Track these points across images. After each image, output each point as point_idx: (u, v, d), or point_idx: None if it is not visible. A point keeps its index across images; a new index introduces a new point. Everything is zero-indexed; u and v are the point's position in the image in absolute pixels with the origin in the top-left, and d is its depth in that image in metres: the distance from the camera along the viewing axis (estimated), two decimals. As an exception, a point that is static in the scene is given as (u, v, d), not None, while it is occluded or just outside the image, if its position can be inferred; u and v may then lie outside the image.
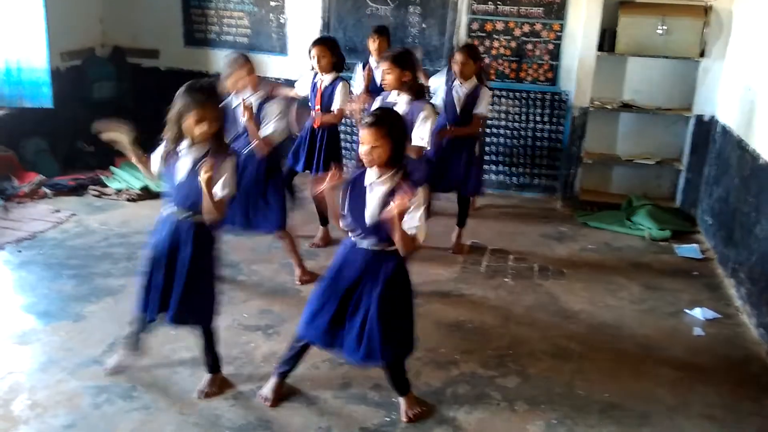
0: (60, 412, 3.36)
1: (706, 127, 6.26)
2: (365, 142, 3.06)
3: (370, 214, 3.13)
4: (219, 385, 3.59)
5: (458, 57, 5.27)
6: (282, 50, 7.28)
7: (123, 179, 6.60)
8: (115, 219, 5.85)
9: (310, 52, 5.13)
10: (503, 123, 6.87)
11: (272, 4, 7.22)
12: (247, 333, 4.15)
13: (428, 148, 4.54)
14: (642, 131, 6.66)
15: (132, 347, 3.70)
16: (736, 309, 4.77)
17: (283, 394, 3.53)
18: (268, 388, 3.51)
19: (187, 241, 3.32)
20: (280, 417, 3.41)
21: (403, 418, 3.41)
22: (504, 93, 6.76)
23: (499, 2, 6.67)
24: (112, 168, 6.85)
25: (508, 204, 6.76)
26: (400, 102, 4.52)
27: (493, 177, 6.98)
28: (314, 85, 5.23)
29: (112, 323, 4.17)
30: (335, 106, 5.15)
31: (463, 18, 6.77)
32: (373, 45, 5.77)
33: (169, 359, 3.85)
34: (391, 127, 3.08)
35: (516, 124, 6.89)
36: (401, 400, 3.46)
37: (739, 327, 4.54)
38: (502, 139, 6.91)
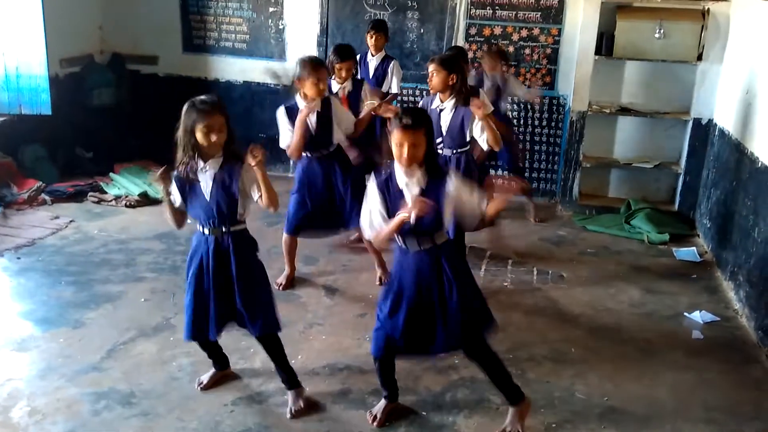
0: (59, 418, 3.35)
1: (704, 131, 6.27)
2: (403, 142, 3.01)
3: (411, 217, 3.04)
4: (305, 399, 3.54)
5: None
6: (281, 56, 7.29)
7: (122, 186, 6.61)
8: (114, 225, 5.86)
9: (333, 65, 5.09)
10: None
11: (271, 10, 7.24)
12: (246, 338, 4.12)
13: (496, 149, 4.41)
14: (640, 135, 6.67)
15: (219, 365, 3.73)
16: (735, 312, 4.77)
17: (394, 416, 3.48)
18: (378, 408, 3.48)
19: (232, 254, 3.32)
20: (279, 423, 3.41)
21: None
22: (506, 97, 6.76)
23: (497, 7, 6.69)
24: (111, 174, 6.86)
25: (507, 208, 6.73)
26: (446, 107, 4.43)
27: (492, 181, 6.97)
28: (336, 94, 5.14)
29: (111, 330, 4.17)
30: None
31: (461, 23, 6.79)
32: (370, 40, 5.85)
33: (168, 365, 3.84)
34: (428, 127, 3.08)
35: (514, 128, 6.89)
36: (511, 410, 3.37)
37: (738, 330, 4.54)
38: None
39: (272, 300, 3.48)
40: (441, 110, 4.43)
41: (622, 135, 6.72)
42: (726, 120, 5.77)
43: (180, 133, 3.24)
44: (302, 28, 7.13)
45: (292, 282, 4.89)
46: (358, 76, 5.72)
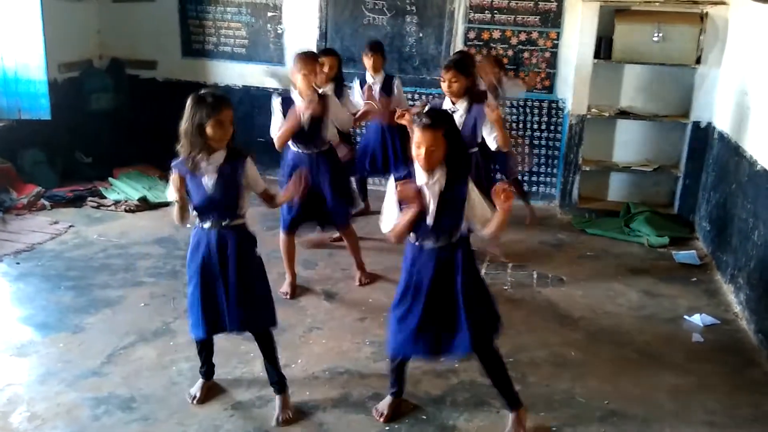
0: (59, 424, 3.35)
1: (703, 134, 6.27)
2: (424, 143, 3.02)
3: (430, 214, 3.11)
4: (292, 407, 3.52)
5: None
6: (279, 60, 7.30)
7: (121, 190, 6.61)
8: (114, 230, 5.86)
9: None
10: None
11: (269, 14, 7.24)
12: (245, 343, 4.13)
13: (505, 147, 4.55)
14: (639, 138, 6.67)
15: (207, 375, 3.69)
16: (735, 315, 4.77)
17: (399, 411, 3.53)
18: (383, 404, 3.53)
19: (234, 247, 3.33)
20: (279, 427, 3.40)
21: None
22: (501, 101, 6.77)
23: (495, 11, 6.70)
24: (110, 179, 6.87)
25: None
26: (459, 109, 4.54)
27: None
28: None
29: (111, 334, 4.17)
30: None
31: (460, 27, 6.79)
32: (368, 62, 5.82)
33: (168, 370, 3.84)
34: (448, 128, 3.09)
35: (513, 132, 6.90)
36: (511, 417, 3.40)
37: (738, 333, 4.54)
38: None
39: (270, 295, 3.50)
40: (453, 112, 4.42)
41: (622, 138, 6.72)
42: (725, 123, 5.77)
43: (187, 126, 3.22)
44: (301, 33, 7.13)
45: (295, 289, 4.86)
46: (357, 98, 5.79)
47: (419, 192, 3.07)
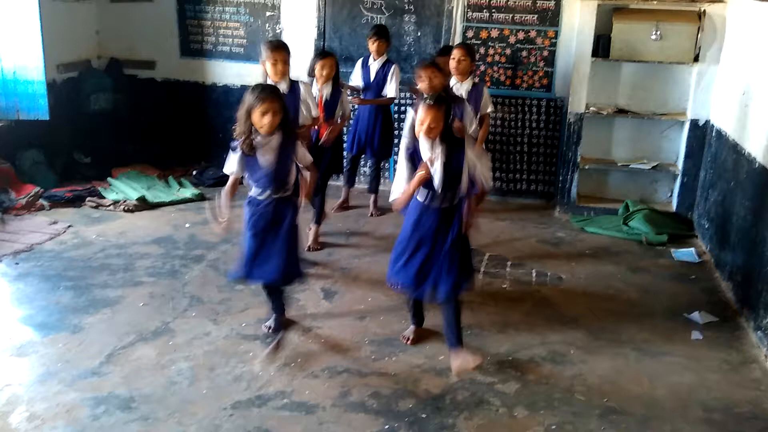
0: (59, 424, 3.35)
1: (701, 132, 6.28)
2: (426, 120, 3.61)
3: (437, 178, 3.70)
4: (283, 339, 4.12)
5: (456, 53, 5.39)
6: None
7: (120, 190, 6.61)
8: (113, 230, 5.85)
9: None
10: (499, 129, 6.89)
11: (268, 14, 7.25)
12: (245, 342, 4.15)
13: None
14: (637, 136, 6.68)
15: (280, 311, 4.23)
16: (734, 312, 4.77)
17: (422, 337, 4.24)
18: (408, 331, 4.25)
19: (287, 214, 3.91)
20: (279, 426, 3.40)
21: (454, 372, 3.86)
22: (500, 100, 6.78)
23: (493, 10, 6.71)
24: (109, 179, 6.87)
25: (505, 210, 6.76)
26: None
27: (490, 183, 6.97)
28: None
29: (110, 334, 4.17)
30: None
31: (458, 26, 6.80)
32: (372, 45, 6.06)
33: (167, 369, 3.84)
34: (448, 107, 3.70)
35: (512, 131, 6.91)
36: (453, 354, 3.88)
37: (737, 330, 4.54)
38: (498, 146, 6.92)
39: (298, 256, 4.06)
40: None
41: (620, 136, 6.73)
42: (723, 121, 5.78)
43: (241, 112, 3.79)
44: (299, 33, 7.13)
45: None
46: (350, 81, 6.17)
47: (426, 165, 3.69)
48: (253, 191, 3.93)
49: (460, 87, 5.35)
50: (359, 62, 6.22)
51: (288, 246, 3.90)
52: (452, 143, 3.70)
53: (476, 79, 5.61)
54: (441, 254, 3.80)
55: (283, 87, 4.71)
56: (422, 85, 4.59)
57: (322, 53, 5.58)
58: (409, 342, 4.18)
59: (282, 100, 3.82)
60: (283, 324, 4.22)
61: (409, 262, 3.86)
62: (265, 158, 3.82)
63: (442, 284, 3.80)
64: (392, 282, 3.99)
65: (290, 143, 3.87)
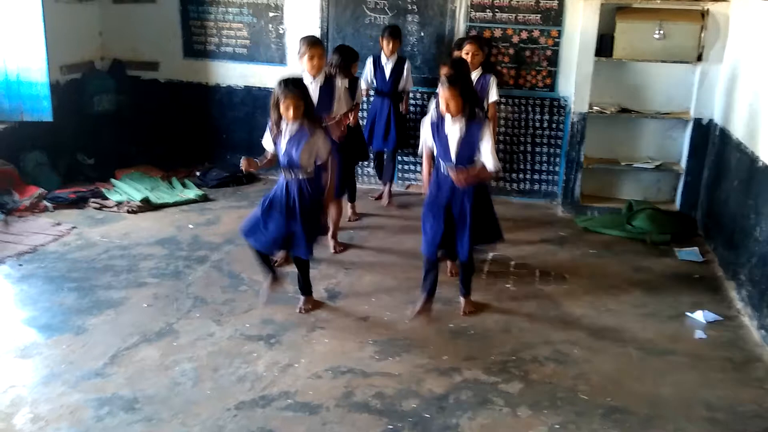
0: (62, 425, 3.36)
1: (704, 131, 6.27)
2: (444, 97, 4.18)
3: (453, 150, 4.25)
4: (313, 302, 4.67)
5: (468, 48, 5.66)
6: (281, 60, 7.30)
7: (123, 191, 6.61)
8: (116, 231, 5.86)
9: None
10: (503, 129, 6.88)
11: (271, 14, 7.25)
12: (249, 343, 4.15)
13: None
14: (641, 135, 6.67)
15: (270, 276, 4.60)
16: (738, 311, 4.76)
17: (430, 310, 4.55)
18: (419, 304, 4.52)
19: (299, 194, 4.33)
20: (283, 427, 3.40)
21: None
22: (503, 99, 6.76)
23: (497, 10, 6.70)
24: (112, 180, 6.87)
25: (509, 209, 6.75)
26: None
27: (494, 183, 6.97)
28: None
29: (114, 336, 4.17)
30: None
31: (461, 26, 6.79)
32: (386, 45, 6.35)
33: (171, 370, 3.85)
34: (463, 85, 4.21)
35: (516, 130, 6.90)
36: (462, 300, 4.64)
37: (741, 329, 4.53)
38: (501, 145, 6.91)
39: (318, 235, 4.53)
40: None
41: (623, 136, 6.70)
42: (727, 120, 5.76)
43: (272, 101, 4.26)
44: (302, 33, 7.06)
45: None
46: (367, 76, 6.47)
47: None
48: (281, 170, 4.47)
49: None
50: (369, 61, 6.43)
51: (304, 225, 4.33)
52: (470, 120, 4.22)
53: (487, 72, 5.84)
54: (460, 220, 4.34)
55: (319, 80, 5.13)
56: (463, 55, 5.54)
57: (336, 48, 5.84)
58: (417, 313, 4.49)
59: (305, 93, 4.27)
60: (312, 305, 4.65)
61: (433, 233, 4.38)
62: (286, 142, 4.29)
63: (461, 247, 4.37)
64: (428, 255, 4.46)
65: (310, 133, 4.27)
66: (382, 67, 6.40)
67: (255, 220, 4.41)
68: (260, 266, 4.58)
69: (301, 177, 4.33)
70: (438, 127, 4.33)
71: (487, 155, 4.22)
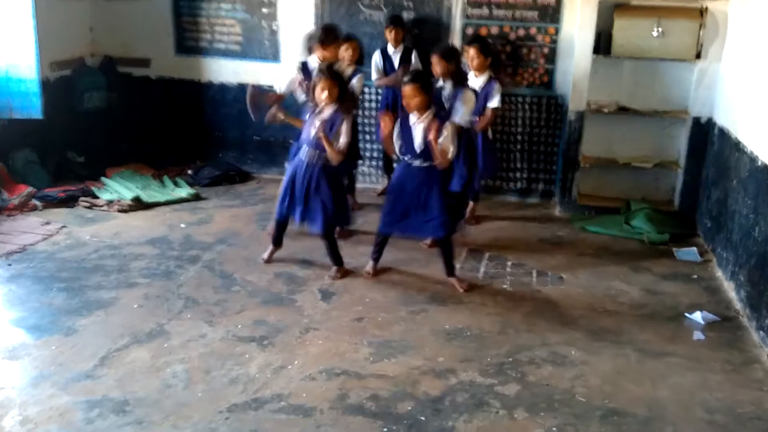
0: (52, 427, 3.30)
1: (703, 130, 6.23)
2: (407, 95, 4.56)
3: (417, 143, 4.65)
4: (343, 271, 5.08)
5: (470, 51, 5.80)
6: (275, 57, 7.24)
7: (114, 190, 6.55)
8: (107, 230, 5.79)
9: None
10: (499, 128, 6.82)
11: (264, 11, 7.18)
12: (241, 344, 4.09)
13: (465, 125, 5.28)
14: (639, 134, 6.62)
15: (277, 243, 5.21)
16: (736, 312, 4.73)
17: (380, 271, 5.07)
18: (369, 267, 5.06)
19: (318, 171, 4.79)
20: (276, 429, 3.35)
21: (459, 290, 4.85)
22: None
23: (493, 6, 6.65)
24: (102, 178, 6.81)
25: (506, 209, 6.71)
26: (447, 87, 5.37)
27: (490, 182, 6.93)
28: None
29: (104, 337, 4.11)
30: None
31: (458, 23, 6.74)
32: (390, 35, 6.45)
33: (162, 372, 3.78)
34: (423, 83, 4.60)
35: (512, 129, 6.86)
36: (454, 281, 4.93)
37: (740, 330, 4.50)
38: (498, 144, 6.86)
39: (340, 205, 4.92)
40: (442, 90, 5.34)
41: (621, 134, 6.65)
42: (725, 119, 5.73)
43: (312, 84, 4.75)
44: (296, 30, 7.05)
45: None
46: (373, 71, 6.56)
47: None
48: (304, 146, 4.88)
49: (475, 81, 5.76)
50: (377, 53, 6.55)
51: (324, 203, 4.77)
52: (435, 114, 4.62)
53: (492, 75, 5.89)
54: (424, 204, 4.70)
55: (349, 71, 5.58)
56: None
57: (345, 36, 5.90)
58: (371, 277, 4.99)
59: (340, 81, 4.72)
60: (342, 273, 5.05)
61: (393, 215, 4.82)
62: (314, 123, 4.73)
63: (434, 224, 4.74)
64: (383, 233, 4.97)
65: (337, 120, 4.69)
66: (390, 57, 6.50)
67: (284, 194, 4.92)
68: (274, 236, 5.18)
69: (323, 155, 4.74)
70: (404, 122, 4.68)
71: (443, 147, 4.54)
